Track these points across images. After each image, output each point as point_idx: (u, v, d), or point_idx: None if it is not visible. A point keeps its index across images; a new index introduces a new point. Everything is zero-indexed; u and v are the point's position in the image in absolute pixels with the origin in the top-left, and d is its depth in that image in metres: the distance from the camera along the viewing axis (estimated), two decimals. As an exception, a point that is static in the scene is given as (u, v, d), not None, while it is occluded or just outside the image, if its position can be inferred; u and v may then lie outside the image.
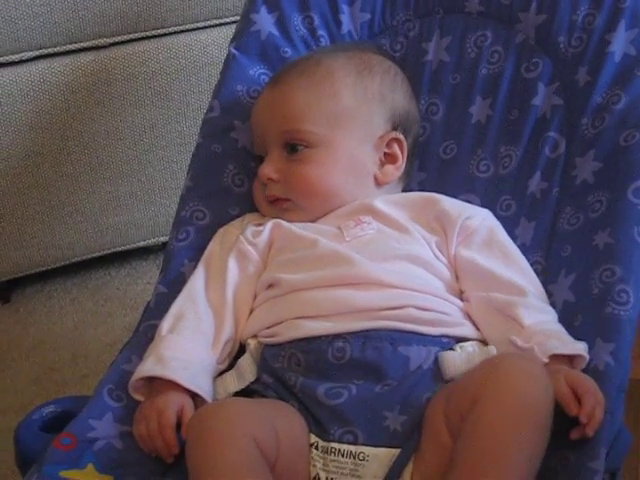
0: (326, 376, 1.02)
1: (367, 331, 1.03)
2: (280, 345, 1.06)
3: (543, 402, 0.91)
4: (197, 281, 1.14)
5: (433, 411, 0.98)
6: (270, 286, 1.11)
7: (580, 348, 1.00)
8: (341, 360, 1.02)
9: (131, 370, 1.10)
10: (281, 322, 1.07)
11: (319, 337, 1.03)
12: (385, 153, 1.17)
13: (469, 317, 1.08)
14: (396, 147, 1.18)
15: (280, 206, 1.15)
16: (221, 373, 1.10)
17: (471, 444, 0.90)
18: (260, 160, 1.18)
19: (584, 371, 0.98)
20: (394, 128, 1.18)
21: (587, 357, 1.00)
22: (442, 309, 1.06)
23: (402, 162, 1.18)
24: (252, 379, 1.07)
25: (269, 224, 1.15)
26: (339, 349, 1.02)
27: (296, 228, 1.13)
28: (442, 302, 1.06)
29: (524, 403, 0.90)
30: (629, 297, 1.02)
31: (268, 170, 1.15)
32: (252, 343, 1.10)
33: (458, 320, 1.06)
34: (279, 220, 1.15)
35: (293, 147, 1.14)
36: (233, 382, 1.08)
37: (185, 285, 1.14)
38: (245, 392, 1.08)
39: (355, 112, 1.15)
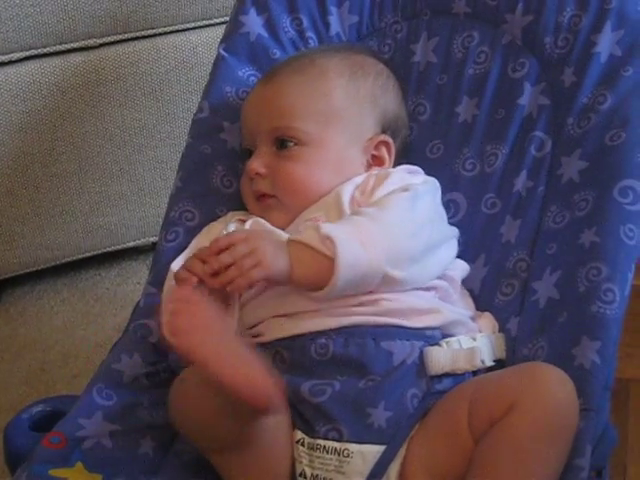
0: (310, 373, 1.03)
1: (349, 327, 1.03)
2: (265, 344, 1.06)
3: (575, 415, 0.94)
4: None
5: (453, 409, 0.98)
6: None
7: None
8: (324, 357, 1.02)
9: (121, 369, 1.11)
10: (262, 321, 1.07)
11: (302, 335, 1.04)
12: (373, 155, 1.17)
13: (447, 301, 1.09)
14: (384, 150, 1.18)
15: (265, 202, 1.15)
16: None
17: (502, 450, 0.92)
18: (248, 155, 1.18)
19: (570, 370, 0.98)
20: (383, 131, 1.18)
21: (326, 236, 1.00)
22: (409, 299, 1.05)
23: (389, 166, 1.18)
24: (236, 375, 1.08)
25: (250, 221, 1.15)
26: (322, 346, 1.03)
27: (270, 225, 1.13)
28: (406, 294, 1.06)
29: (561, 415, 0.92)
30: (615, 296, 1.03)
31: (256, 165, 1.15)
32: (238, 340, 1.10)
33: (430, 307, 1.06)
34: (258, 218, 1.15)
35: (283, 143, 1.14)
36: None
37: (167, 278, 1.14)
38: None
39: (346, 112, 1.16)
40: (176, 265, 1.13)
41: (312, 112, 1.14)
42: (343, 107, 1.16)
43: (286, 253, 1.00)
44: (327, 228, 1.01)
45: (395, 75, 1.23)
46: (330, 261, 0.99)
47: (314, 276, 1.01)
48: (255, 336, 1.08)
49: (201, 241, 1.17)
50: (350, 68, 1.18)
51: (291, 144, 1.14)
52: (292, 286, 1.02)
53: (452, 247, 1.12)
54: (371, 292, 1.04)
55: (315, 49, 1.29)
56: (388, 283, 1.03)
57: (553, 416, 0.92)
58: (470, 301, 1.13)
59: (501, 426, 0.93)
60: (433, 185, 1.14)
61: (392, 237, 1.03)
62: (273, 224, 1.13)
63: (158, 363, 1.14)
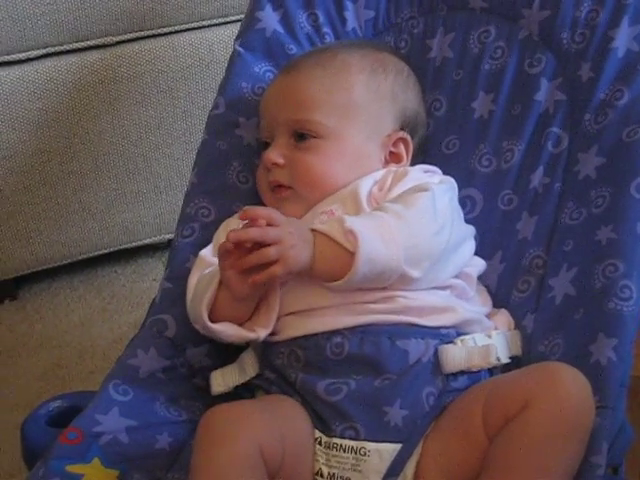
0: (325, 372, 1.03)
1: (365, 326, 1.03)
2: (279, 342, 1.06)
3: (591, 413, 0.94)
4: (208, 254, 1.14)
5: (468, 408, 0.98)
6: None
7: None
8: (339, 356, 1.02)
9: (137, 365, 1.12)
10: (278, 319, 1.06)
11: (317, 334, 1.04)
12: (390, 152, 1.17)
13: (463, 298, 1.09)
14: (402, 147, 1.18)
15: (281, 194, 1.15)
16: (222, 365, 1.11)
17: (517, 447, 0.92)
18: (265, 147, 1.18)
19: (586, 367, 0.98)
20: (402, 128, 1.18)
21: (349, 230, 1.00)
22: (425, 297, 1.05)
23: (406, 163, 1.18)
24: (253, 374, 1.08)
25: None
26: (337, 345, 1.03)
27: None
28: (422, 292, 1.06)
29: (576, 413, 0.92)
30: (632, 293, 1.02)
31: (274, 155, 1.14)
32: (255, 338, 1.10)
33: (445, 305, 1.06)
34: None
35: (302, 136, 1.14)
36: (234, 376, 1.09)
37: (195, 265, 1.14)
38: (248, 386, 1.09)
39: (366, 108, 1.16)
40: (205, 253, 1.13)
41: (332, 105, 1.14)
42: (363, 102, 1.16)
43: (311, 245, 1.00)
44: (351, 222, 1.01)
45: (415, 74, 1.23)
46: (350, 255, 0.99)
47: (333, 268, 1.01)
48: (269, 334, 1.07)
49: (221, 238, 1.16)
50: (371, 64, 1.18)
51: (310, 136, 1.14)
52: (310, 276, 1.02)
53: (470, 246, 1.12)
54: (387, 289, 1.04)
55: (336, 44, 1.28)
56: (404, 281, 1.03)
57: (568, 414, 0.92)
58: (487, 297, 1.13)
59: (516, 424, 0.93)
60: (450, 185, 1.14)
61: (414, 236, 1.03)
62: (287, 215, 1.12)
63: (174, 358, 1.14)
